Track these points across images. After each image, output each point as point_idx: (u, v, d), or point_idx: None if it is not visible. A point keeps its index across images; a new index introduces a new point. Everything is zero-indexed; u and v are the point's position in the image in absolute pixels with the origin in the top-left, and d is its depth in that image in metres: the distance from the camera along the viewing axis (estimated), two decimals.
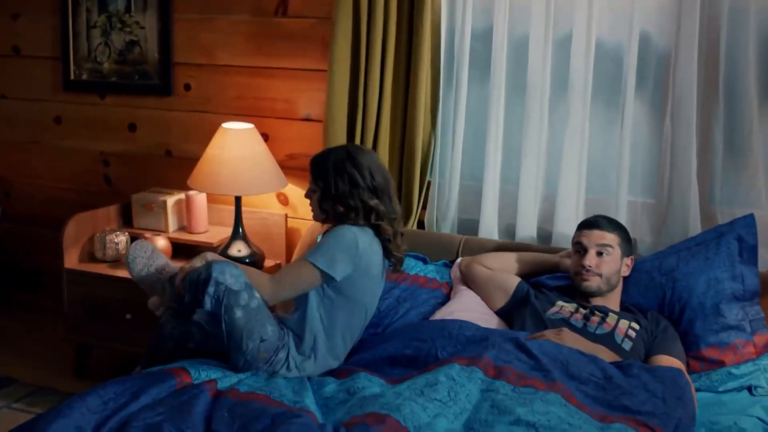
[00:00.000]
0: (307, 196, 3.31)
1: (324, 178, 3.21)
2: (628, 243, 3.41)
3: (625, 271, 3.41)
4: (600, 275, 3.32)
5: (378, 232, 3.23)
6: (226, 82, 4.49)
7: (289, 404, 2.72)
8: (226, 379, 2.94)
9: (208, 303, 3.00)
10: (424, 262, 3.81)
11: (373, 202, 3.19)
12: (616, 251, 3.35)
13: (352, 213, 3.19)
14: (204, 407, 2.70)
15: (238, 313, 3.00)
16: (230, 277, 3.01)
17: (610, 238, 3.35)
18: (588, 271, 3.32)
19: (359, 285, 3.19)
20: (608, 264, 3.33)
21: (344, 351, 3.26)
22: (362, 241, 3.16)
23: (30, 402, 3.93)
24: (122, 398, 2.72)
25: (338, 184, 3.18)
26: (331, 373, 3.10)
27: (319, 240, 3.24)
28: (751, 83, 3.48)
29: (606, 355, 3.03)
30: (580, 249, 3.38)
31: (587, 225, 3.40)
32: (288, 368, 3.11)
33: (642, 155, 3.76)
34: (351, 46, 3.98)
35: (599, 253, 3.33)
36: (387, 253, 3.28)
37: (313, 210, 3.33)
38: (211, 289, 2.99)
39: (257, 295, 3.07)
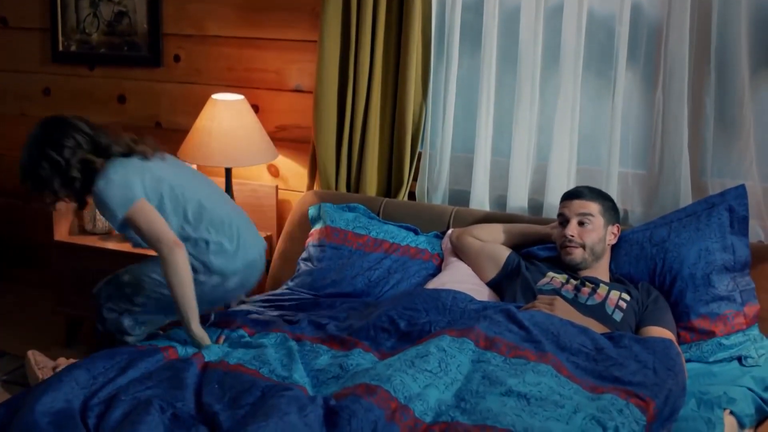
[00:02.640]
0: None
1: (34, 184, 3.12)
2: (612, 211, 3.41)
3: (612, 239, 3.41)
4: (583, 246, 3.32)
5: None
6: (216, 53, 4.47)
7: (279, 380, 2.71)
8: (212, 353, 2.94)
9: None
10: (415, 233, 3.80)
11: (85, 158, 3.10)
12: (598, 220, 3.35)
13: (77, 183, 3.10)
14: (193, 380, 2.70)
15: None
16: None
17: (591, 206, 3.35)
18: (570, 241, 3.32)
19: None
20: (590, 233, 3.33)
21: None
22: (119, 175, 3.11)
23: (20, 374, 3.92)
24: (111, 372, 2.72)
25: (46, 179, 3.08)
26: (323, 340, 3.08)
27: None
28: (742, 54, 3.47)
29: (596, 328, 3.03)
30: (562, 220, 3.38)
31: (568, 196, 3.41)
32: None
33: (633, 126, 3.76)
34: (341, 17, 3.95)
35: (581, 223, 3.33)
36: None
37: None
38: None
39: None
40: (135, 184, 3.10)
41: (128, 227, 3.15)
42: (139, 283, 3.22)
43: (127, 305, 3.24)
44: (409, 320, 3.05)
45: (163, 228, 3.11)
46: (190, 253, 3.12)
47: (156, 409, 2.48)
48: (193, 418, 2.52)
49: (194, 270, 3.14)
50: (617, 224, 3.43)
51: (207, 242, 3.19)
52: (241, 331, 3.19)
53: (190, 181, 3.29)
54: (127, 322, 3.24)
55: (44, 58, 4.87)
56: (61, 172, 3.07)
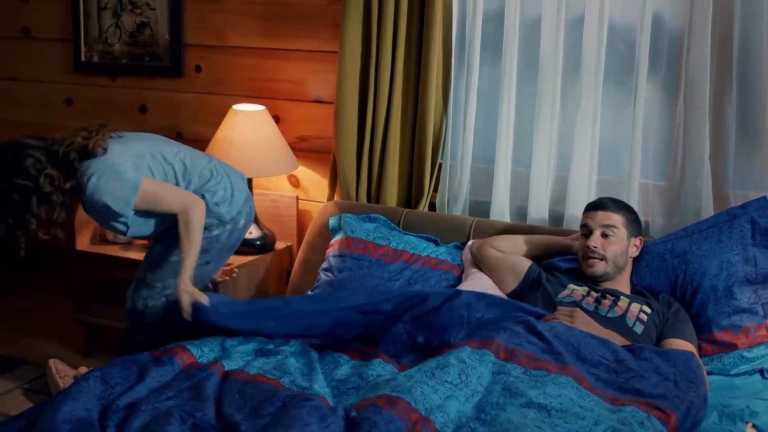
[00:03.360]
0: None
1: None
2: (635, 223, 3.39)
3: (634, 252, 3.39)
4: (604, 259, 3.31)
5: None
6: (237, 64, 4.48)
7: (299, 390, 2.71)
8: (232, 361, 2.94)
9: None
10: (436, 243, 3.80)
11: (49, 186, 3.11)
12: (622, 232, 3.33)
13: (53, 196, 3.12)
14: (213, 389, 2.70)
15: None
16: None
17: (615, 218, 3.33)
18: (593, 253, 3.31)
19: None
20: (613, 245, 3.32)
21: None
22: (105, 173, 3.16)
23: (42, 383, 3.93)
24: (128, 381, 2.73)
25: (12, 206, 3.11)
26: (342, 349, 3.08)
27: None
28: (764, 64, 3.46)
29: (617, 340, 3.02)
30: (586, 232, 3.37)
31: (592, 207, 3.40)
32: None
33: (654, 137, 3.74)
34: (362, 27, 3.96)
35: (604, 235, 3.32)
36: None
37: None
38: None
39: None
40: (124, 167, 3.14)
41: (143, 216, 3.21)
42: (166, 269, 3.33)
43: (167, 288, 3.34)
44: (429, 334, 3.02)
45: (179, 190, 3.22)
46: None
47: (176, 420, 2.48)
48: (213, 428, 2.52)
49: (209, 228, 3.28)
50: (640, 236, 3.41)
51: (204, 197, 3.29)
52: (263, 336, 3.18)
53: (162, 146, 3.36)
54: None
55: (66, 68, 4.90)
56: (34, 193, 3.07)
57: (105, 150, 3.18)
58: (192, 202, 3.23)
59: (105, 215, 3.21)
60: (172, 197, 3.23)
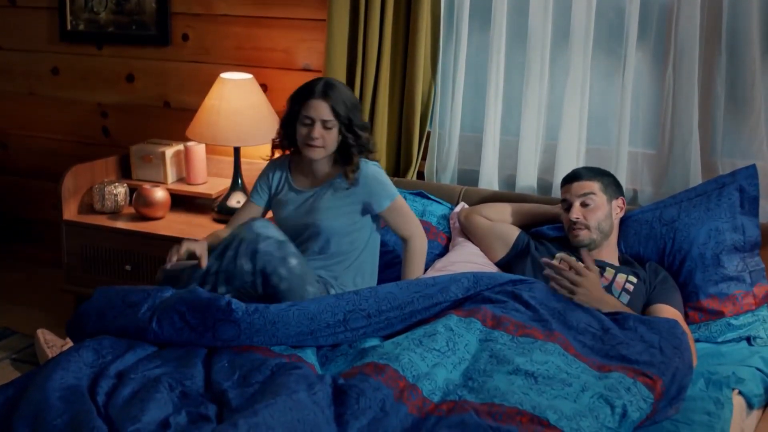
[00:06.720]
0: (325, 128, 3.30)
1: (345, 112, 3.29)
2: (613, 186, 3.39)
3: (618, 213, 3.39)
4: (588, 227, 3.31)
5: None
6: (225, 32, 4.45)
7: (288, 355, 2.71)
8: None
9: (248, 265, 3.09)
10: (423, 196, 3.81)
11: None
12: (600, 197, 3.33)
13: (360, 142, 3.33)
14: (202, 358, 2.70)
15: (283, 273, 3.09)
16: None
17: (591, 185, 3.33)
18: (576, 224, 3.31)
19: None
20: (594, 212, 3.31)
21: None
22: None
23: (30, 353, 3.93)
24: (118, 350, 2.73)
25: (357, 118, 3.33)
26: None
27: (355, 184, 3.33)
28: (753, 33, 3.45)
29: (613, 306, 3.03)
30: (566, 206, 3.37)
31: (567, 180, 3.40)
32: None
33: (643, 106, 3.74)
34: None
35: (584, 204, 3.32)
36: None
37: (326, 144, 3.30)
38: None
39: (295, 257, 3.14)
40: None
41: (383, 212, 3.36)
42: None
43: None
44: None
45: None
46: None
47: (165, 387, 2.49)
48: (201, 396, 2.53)
49: None
50: (621, 197, 3.41)
51: None
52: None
53: None
54: None
55: (52, 37, 4.86)
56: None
57: None
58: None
59: None
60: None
